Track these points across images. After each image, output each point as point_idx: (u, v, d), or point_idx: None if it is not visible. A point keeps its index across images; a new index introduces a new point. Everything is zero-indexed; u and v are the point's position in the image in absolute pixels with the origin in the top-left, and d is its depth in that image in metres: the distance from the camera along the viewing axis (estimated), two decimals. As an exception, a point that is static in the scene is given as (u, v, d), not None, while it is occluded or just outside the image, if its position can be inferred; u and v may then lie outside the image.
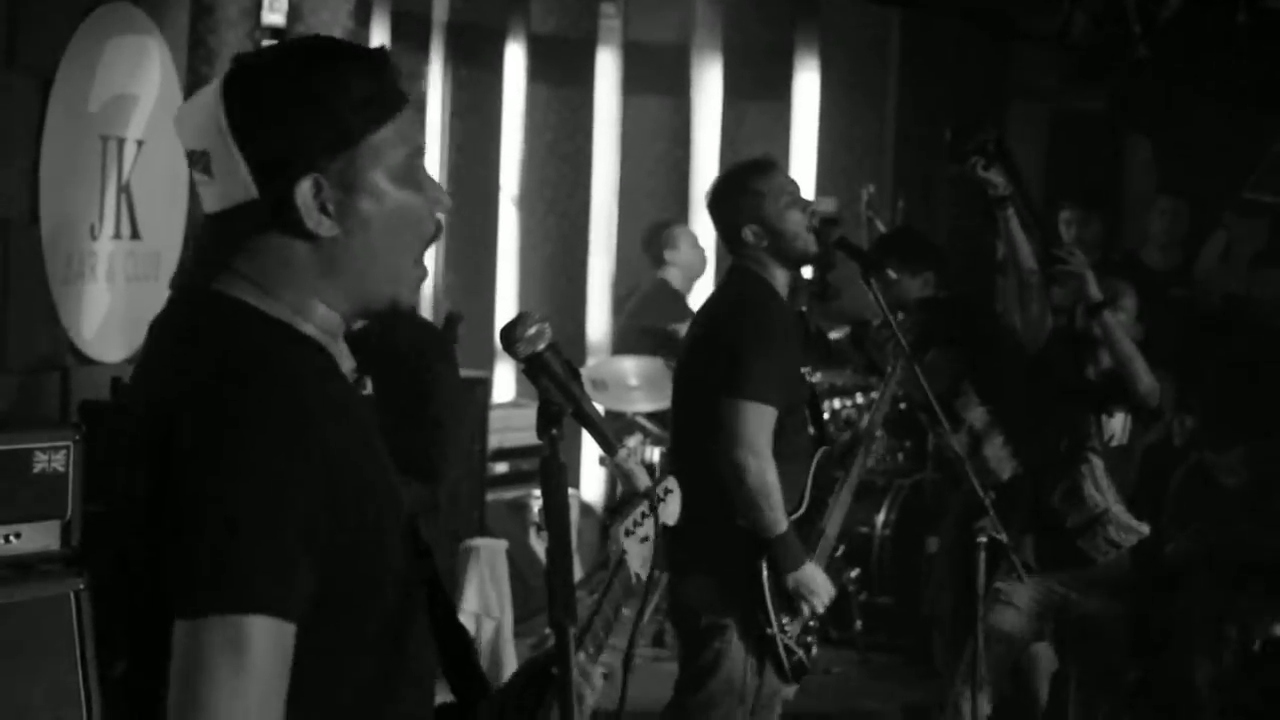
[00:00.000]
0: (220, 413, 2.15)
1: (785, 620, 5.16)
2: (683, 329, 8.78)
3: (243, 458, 2.12)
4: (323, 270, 2.30)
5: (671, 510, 2.99)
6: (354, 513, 2.21)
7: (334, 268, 2.31)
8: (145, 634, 2.18)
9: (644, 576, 2.86)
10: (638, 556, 2.87)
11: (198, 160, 2.28)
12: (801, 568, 5.13)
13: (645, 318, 9.40)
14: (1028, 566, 5.89)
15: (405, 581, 2.34)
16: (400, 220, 2.33)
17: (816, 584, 5.18)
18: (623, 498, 2.84)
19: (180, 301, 2.37)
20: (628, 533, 2.86)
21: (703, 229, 10.04)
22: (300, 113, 2.26)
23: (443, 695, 2.54)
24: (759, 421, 5.07)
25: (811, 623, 5.27)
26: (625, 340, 9.55)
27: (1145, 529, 5.94)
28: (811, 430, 5.37)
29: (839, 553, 5.36)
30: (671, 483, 2.99)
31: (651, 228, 9.69)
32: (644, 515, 2.87)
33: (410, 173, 2.33)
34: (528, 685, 2.61)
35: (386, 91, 2.32)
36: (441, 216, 2.40)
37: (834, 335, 8.50)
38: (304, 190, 2.25)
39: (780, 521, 5.07)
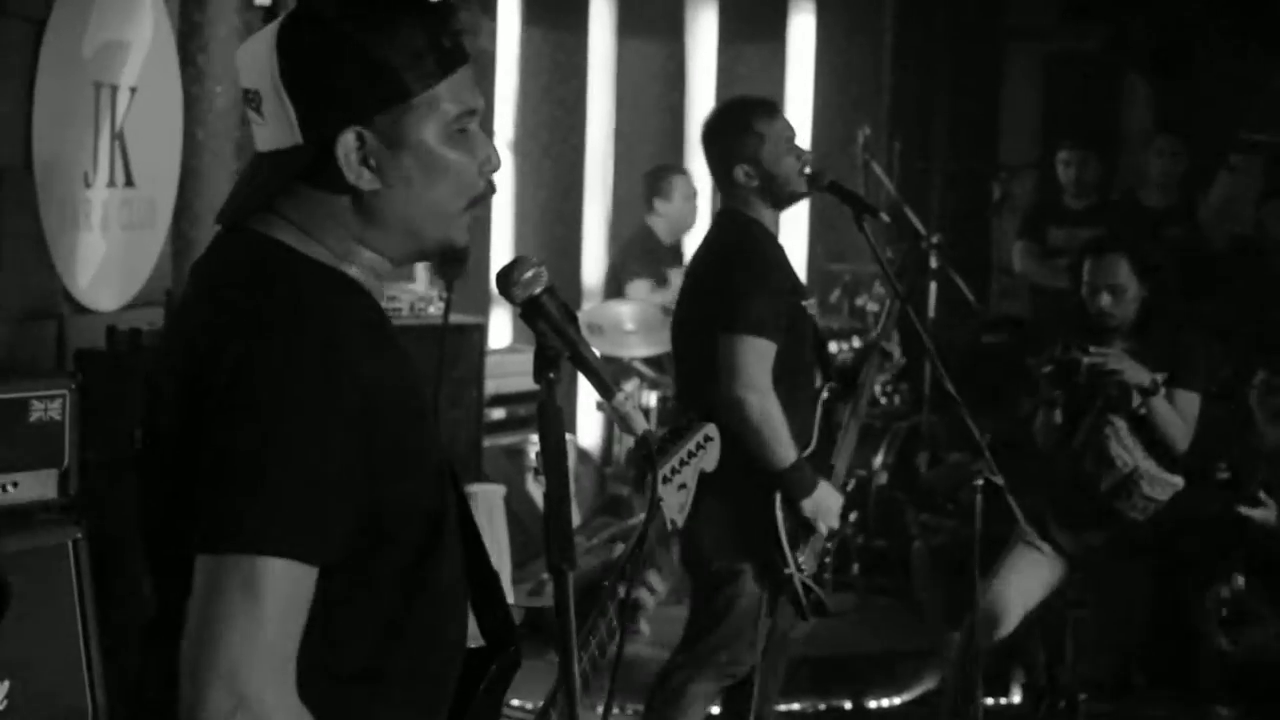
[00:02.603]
0: (255, 355, 2.16)
1: (801, 559, 5.16)
2: (672, 274, 8.79)
3: (276, 401, 2.14)
4: (365, 220, 2.33)
5: (711, 458, 2.99)
6: (394, 449, 2.23)
7: (376, 219, 2.33)
8: (174, 575, 2.19)
9: (680, 524, 2.86)
10: (675, 504, 2.87)
11: (251, 99, 2.30)
12: (815, 492, 5.13)
13: (626, 267, 9.38)
14: (1047, 537, 5.94)
15: (439, 517, 2.36)
16: (444, 179, 2.34)
17: (832, 504, 5.19)
18: (663, 440, 2.83)
19: (220, 242, 2.38)
20: (665, 479, 2.86)
21: (699, 171, 10.03)
22: (350, 67, 2.26)
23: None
24: (757, 356, 5.06)
25: (826, 559, 5.29)
26: (608, 288, 9.53)
27: (1179, 480, 5.94)
28: (818, 368, 5.36)
29: (847, 489, 5.35)
30: (711, 429, 2.99)
31: (651, 171, 9.63)
32: (682, 462, 2.87)
33: (460, 133, 2.34)
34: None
35: (443, 48, 2.32)
36: (494, 178, 2.41)
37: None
38: (346, 142, 2.27)
39: (788, 454, 5.07)
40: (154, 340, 5.30)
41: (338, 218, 2.32)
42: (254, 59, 2.29)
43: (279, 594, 2.10)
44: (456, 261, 5.71)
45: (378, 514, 2.21)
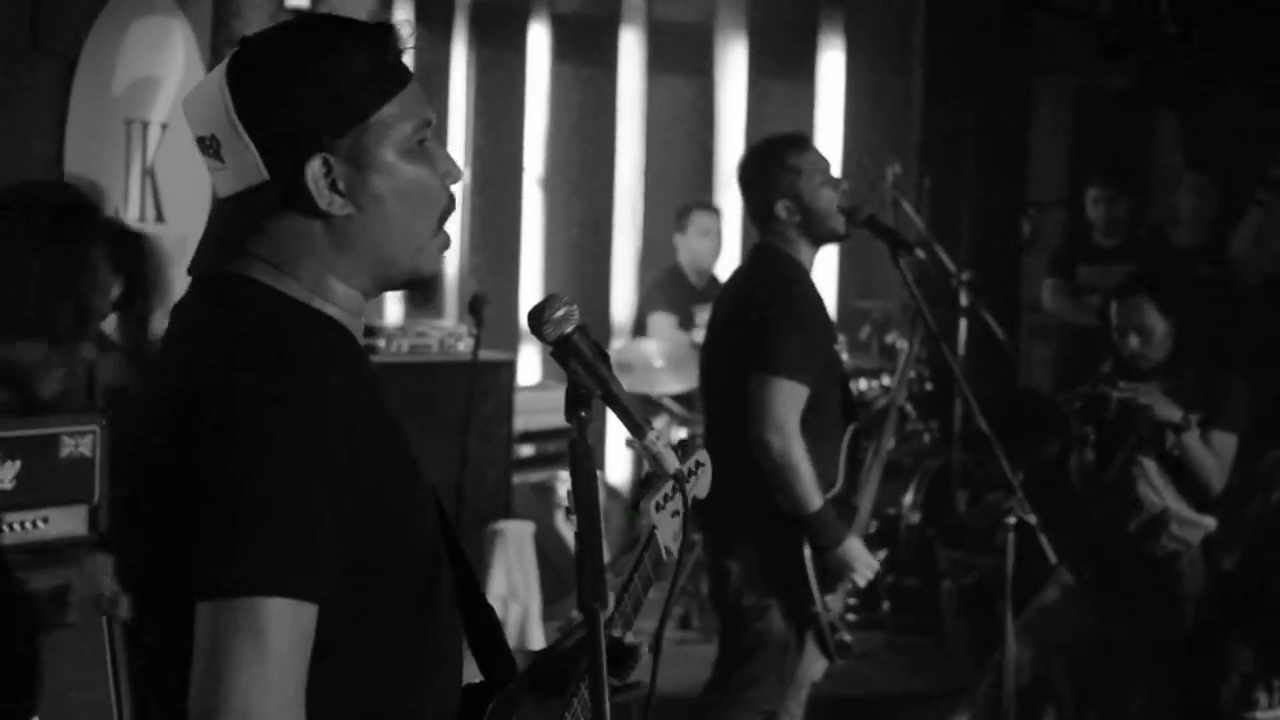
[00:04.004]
0: (239, 396, 2.16)
1: (828, 598, 5.15)
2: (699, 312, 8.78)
3: (262, 441, 2.13)
4: (339, 248, 2.32)
5: (703, 484, 2.98)
6: (378, 488, 2.23)
7: (350, 245, 2.32)
8: (169, 619, 2.19)
9: (674, 552, 2.85)
10: (669, 531, 2.86)
11: (209, 146, 2.30)
12: (843, 544, 5.11)
13: (650, 299, 9.37)
14: (1077, 570, 5.91)
15: (432, 557, 2.37)
16: (412, 195, 2.34)
17: (860, 558, 5.17)
18: (648, 474, 2.82)
19: (199, 285, 2.38)
20: (658, 507, 2.85)
21: (728, 208, 10.02)
22: (305, 92, 2.26)
23: (470, 675, 2.54)
24: (787, 399, 5.05)
25: (850, 600, 5.27)
26: (635, 323, 9.52)
27: (1210, 522, 5.91)
28: (843, 408, 5.34)
29: (871, 530, 5.33)
30: (703, 455, 2.98)
31: (678, 209, 9.63)
32: (674, 489, 2.85)
33: (419, 146, 2.35)
34: (553, 663, 2.62)
35: (390, 67, 2.34)
36: (454, 188, 2.41)
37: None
38: (314, 170, 2.27)
39: (813, 499, 5.05)
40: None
41: (312, 250, 2.31)
42: (206, 103, 2.30)
43: (283, 634, 2.11)
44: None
45: (366, 553, 2.21)
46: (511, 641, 6.83)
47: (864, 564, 5.17)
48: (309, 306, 2.32)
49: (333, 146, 2.27)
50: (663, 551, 2.86)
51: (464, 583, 2.51)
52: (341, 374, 2.26)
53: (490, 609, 2.61)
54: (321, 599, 2.15)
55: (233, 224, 2.33)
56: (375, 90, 2.30)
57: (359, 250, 2.33)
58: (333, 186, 2.28)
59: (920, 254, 5.40)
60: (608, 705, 2.30)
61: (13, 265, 4.41)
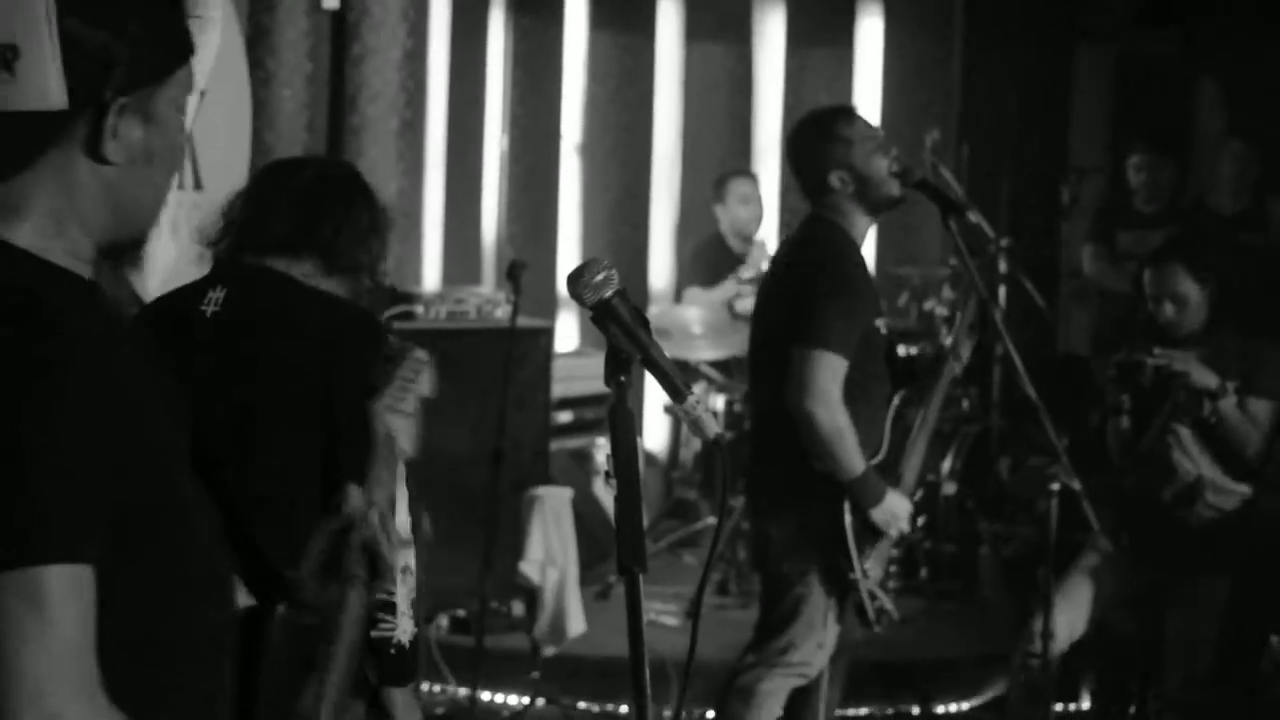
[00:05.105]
0: None
1: (868, 564, 5.15)
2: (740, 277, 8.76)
3: (14, 405, 2.05)
4: (95, 197, 2.24)
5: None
6: (136, 438, 2.14)
7: (107, 196, 2.25)
8: None
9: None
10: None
11: (5, 54, 2.14)
12: (883, 501, 5.11)
13: (685, 271, 9.36)
14: (1115, 538, 5.90)
15: (186, 503, 2.27)
16: (171, 159, 2.31)
17: (901, 510, 5.19)
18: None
19: None
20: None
21: (765, 175, 9.99)
22: (138, 32, 2.20)
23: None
24: (830, 371, 5.04)
25: (890, 567, 5.27)
26: (676, 290, 9.52)
27: (1246, 490, 5.88)
28: (891, 376, 5.33)
29: (916, 497, 5.33)
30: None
31: (714, 180, 9.61)
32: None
33: (179, 112, 2.32)
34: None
35: (186, 33, 2.32)
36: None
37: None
38: (115, 112, 2.19)
39: (857, 464, 5.06)
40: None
41: (69, 192, 2.22)
42: (12, 8, 2.15)
43: (65, 601, 2.02)
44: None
45: (123, 505, 2.12)
46: (549, 607, 6.86)
47: (900, 518, 5.19)
48: (44, 260, 2.21)
49: (131, 94, 2.21)
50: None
51: (232, 521, 2.45)
52: (90, 327, 2.18)
53: (254, 539, 2.58)
54: (95, 560, 2.07)
55: (18, 145, 2.19)
56: (180, 49, 2.28)
57: (114, 203, 2.26)
58: (114, 133, 2.20)
59: (972, 217, 5.36)
60: (647, 670, 2.30)
61: None
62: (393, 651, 3.53)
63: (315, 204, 3.76)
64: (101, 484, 2.08)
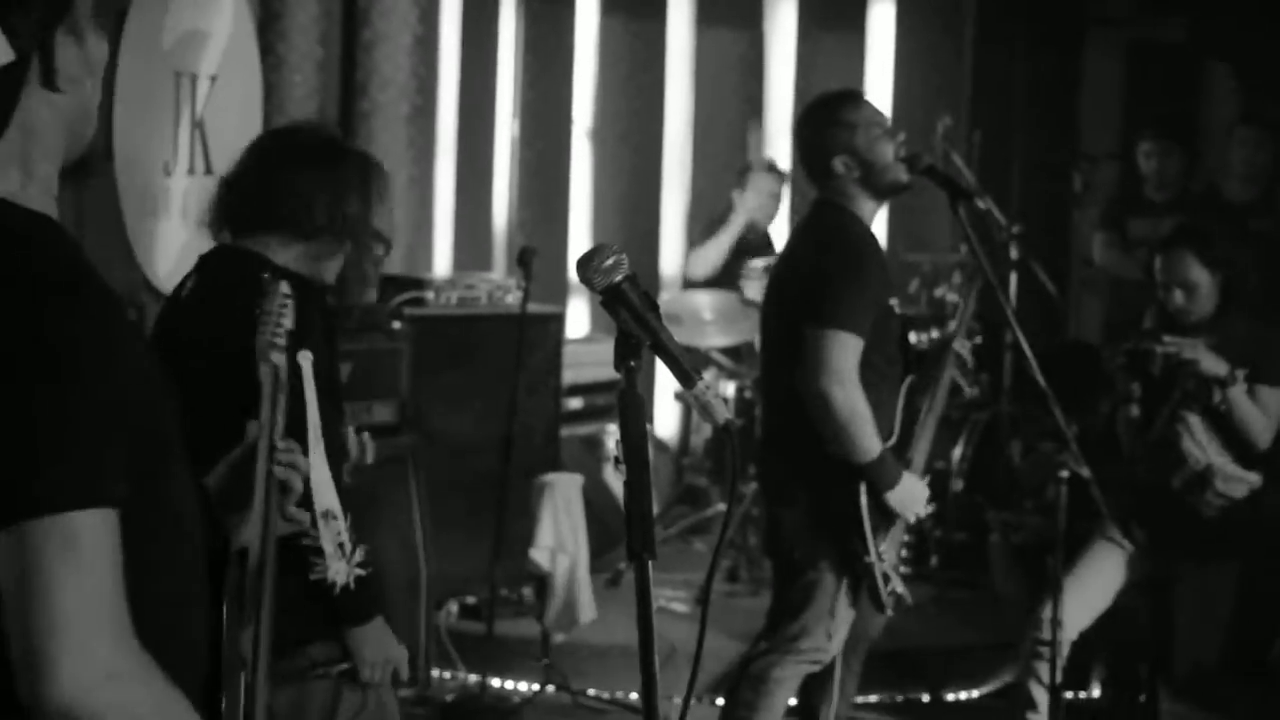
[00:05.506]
0: (10, 319, 2.04)
1: (882, 548, 5.15)
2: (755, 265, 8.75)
3: (39, 361, 2.02)
4: (56, 124, 2.20)
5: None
6: (143, 384, 2.13)
7: (63, 119, 2.21)
8: None
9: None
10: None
11: None
12: (900, 483, 5.11)
13: (696, 232, 9.38)
14: (1127, 531, 5.89)
15: (167, 440, 2.23)
16: (101, 60, 2.26)
17: (917, 494, 5.20)
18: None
19: None
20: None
21: (780, 160, 9.98)
22: None
23: None
24: (845, 351, 5.03)
25: (903, 551, 5.26)
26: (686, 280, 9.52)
27: (1256, 478, 5.87)
28: (902, 360, 5.33)
29: (925, 481, 5.32)
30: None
31: (740, 166, 9.59)
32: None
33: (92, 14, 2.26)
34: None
35: None
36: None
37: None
38: (57, 44, 2.15)
39: (873, 446, 5.05)
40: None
41: (26, 133, 2.16)
42: None
43: (97, 544, 2.00)
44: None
45: (137, 446, 2.10)
46: (559, 593, 6.86)
47: (917, 501, 5.19)
48: (22, 207, 2.16)
49: (65, 19, 2.16)
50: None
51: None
52: (81, 274, 2.12)
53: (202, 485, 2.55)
54: (121, 502, 2.05)
55: None
56: None
57: (67, 126, 2.21)
58: (60, 62, 2.16)
59: (980, 203, 5.35)
60: (656, 657, 2.29)
61: None
62: (338, 593, 3.56)
63: (270, 173, 3.86)
64: (121, 426, 2.06)
